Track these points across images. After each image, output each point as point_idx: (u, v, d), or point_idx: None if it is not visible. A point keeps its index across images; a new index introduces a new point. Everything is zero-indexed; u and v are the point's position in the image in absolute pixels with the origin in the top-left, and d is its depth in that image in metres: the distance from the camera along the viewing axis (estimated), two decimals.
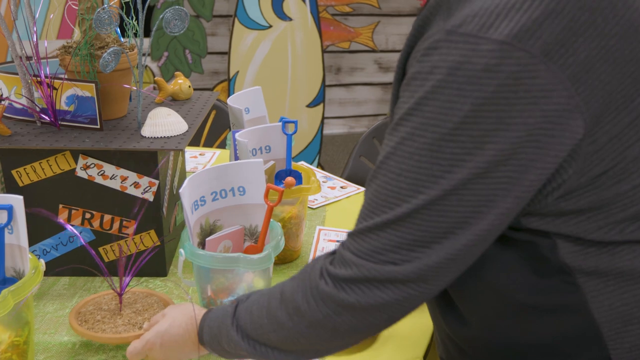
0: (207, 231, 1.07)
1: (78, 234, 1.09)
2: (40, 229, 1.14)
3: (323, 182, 1.72)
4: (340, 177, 1.86)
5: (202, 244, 1.06)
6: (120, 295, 0.98)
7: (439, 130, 0.57)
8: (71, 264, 1.15)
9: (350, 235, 0.65)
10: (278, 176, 1.35)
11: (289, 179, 1.24)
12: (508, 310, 0.63)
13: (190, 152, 1.89)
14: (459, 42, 0.56)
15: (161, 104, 1.36)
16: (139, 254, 1.14)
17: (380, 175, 0.62)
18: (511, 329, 0.64)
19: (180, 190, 0.97)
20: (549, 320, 0.62)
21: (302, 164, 1.70)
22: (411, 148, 0.59)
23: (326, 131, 4.00)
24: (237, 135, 1.29)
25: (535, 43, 0.55)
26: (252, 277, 1.02)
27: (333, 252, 0.67)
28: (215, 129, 2.23)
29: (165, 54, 3.35)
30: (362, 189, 1.64)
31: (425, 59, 0.59)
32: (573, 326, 0.61)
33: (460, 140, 0.57)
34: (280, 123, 1.36)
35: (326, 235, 1.34)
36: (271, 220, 1.06)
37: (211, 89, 3.50)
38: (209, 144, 2.23)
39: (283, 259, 1.27)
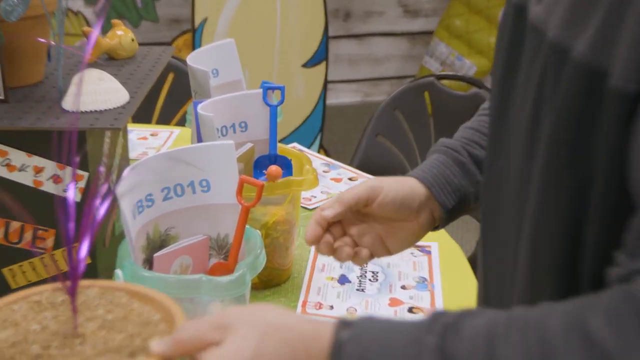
0: (157, 243, 1.06)
1: None
2: None
3: (324, 171, 1.72)
4: (350, 164, 1.85)
5: (148, 262, 1.05)
6: (72, 296, 0.69)
7: None
8: None
9: None
10: (258, 165, 1.34)
11: (273, 169, 1.22)
12: None
13: (136, 131, 1.88)
14: None
15: (93, 64, 1.35)
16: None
17: None
18: None
19: (117, 187, 0.95)
20: None
21: (294, 147, 1.69)
22: None
23: (330, 101, 4.00)
24: (199, 107, 1.28)
25: None
26: (221, 309, 1.01)
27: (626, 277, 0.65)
28: (172, 99, 2.22)
29: None
30: None
31: None
32: None
33: None
34: (261, 90, 1.35)
35: None
36: (247, 226, 1.06)
37: (168, 44, 3.49)
38: (163, 120, 2.22)
39: (267, 282, 1.27)
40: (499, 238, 0.86)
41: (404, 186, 1.01)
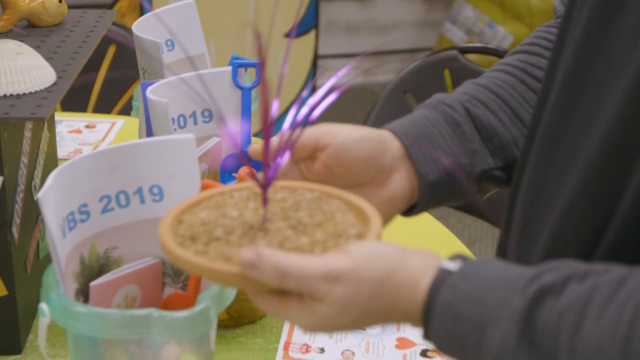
0: (94, 269, 1.07)
1: None
2: None
3: None
4: None
5: (83, 293, 1.05)
6: (264, 188, 0.88)
7: None
8: None
9: None
10: (226, 166, 1.34)
11: (246, 172, 1.23)
12: None
13: (66, 122, 1.88)
14: None
15: (7, 33, 1.35)
16: None
17: None
18: None
19: (40, 195, 0.96)
20: None
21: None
22: None
23: (322, 81, 4.00)
24: (149, 90, 1.28)
25: None
26: (178, 354, 1.02)
27: None
28: (113, 80, 2.22)
29: None
30: None
31: None
32: None
33: None
34: (230, 68, 1.36)
35: None
36: None
37: (109, 7, 3.49)
38: (102, 107, 2.23)
39: (238, 318, 1.28)
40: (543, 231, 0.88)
41: (372, 135, 1.00)
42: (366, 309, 0.81)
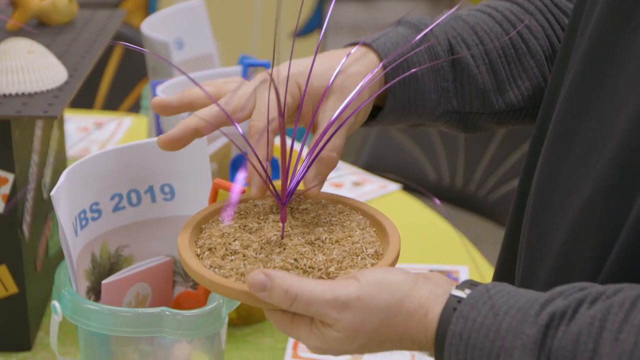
0: (105, 267, 1.07)
1: None
2: None
3: None
4: (354, 164, 1.86)
5: (94, 291, 1.06)
6: (282, 205, 0.88)
7: None
8: None
9: None
10: (236, 165, 1.34)
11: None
12: None
13: (74, 120, 1.89)
14: None
15: (18, 32, 1.36)
16: None
17: None
18: None
19: (53, 193, 0.96)
20: None
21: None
22: None
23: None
24: (159, 89, 1.28)
25: None
26: (189, 352, 1.02)
27: None
28: (121, 78, 2.22)
29: None
30: (392, 186, 1.64)
31: None
32: None
33: None
34: (240, 67, 1.36)
35: None
36: None
37: (114, 6, 3.49)
38: (110, 105, 2.23)
39: (247, 317, 1.28)
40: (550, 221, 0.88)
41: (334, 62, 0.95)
42: (374, 336, 0.80)
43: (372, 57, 0.99)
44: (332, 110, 0.92)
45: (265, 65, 1.37)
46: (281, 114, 0.85)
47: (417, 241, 1.47)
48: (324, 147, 0.88)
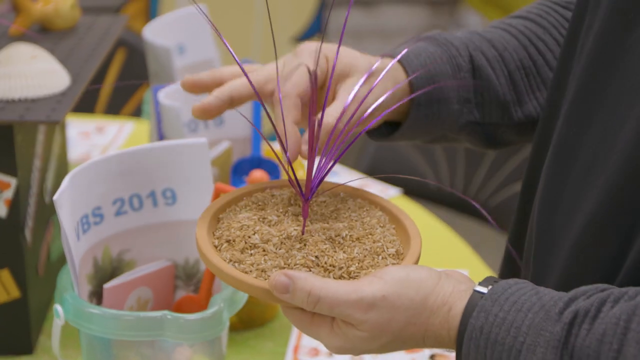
0: (107, 271, 1.07)
1: None
2: None
3: None
4: (355, 170, 1.86)
5: (97, 295, 1.06)
6: (306, 201, 0.86)
7: None
8: None
9: None
10: (238, 169, 1.35)
11: (257, 175, 1.23)
12: None
13: (75, 125, 1.89)
14: None
15: (21, 37, 1.36)
16: None
17: None
18: None
19: (56, 197, 0.96)
20: None
21: None
22: None
23: None
24: (161, 94, 1.29)
25: None
26: (190, 356, 1.03)
27: None
28: (122, 82, 2.22)
29: None
30: (393, 191, 1.65)
31: None
32: None
33: None
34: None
35: None
36: None
37: (116, 11, 3.49)
38: (111, 109, 2.23)
39: (248, 322, 1.28)
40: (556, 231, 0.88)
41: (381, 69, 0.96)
42: (399, 335, 0.80)
43: (396, 65, 0.99)
44: (352, 86, 0.92)
45: None
46: (314, 85, 0.85)
47: None
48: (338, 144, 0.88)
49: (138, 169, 1.06)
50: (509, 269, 1.03)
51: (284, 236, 0.85)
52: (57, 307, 1.00)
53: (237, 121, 1.37)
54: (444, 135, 1.05)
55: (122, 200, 1.06)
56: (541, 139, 0.97)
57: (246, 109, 1.37)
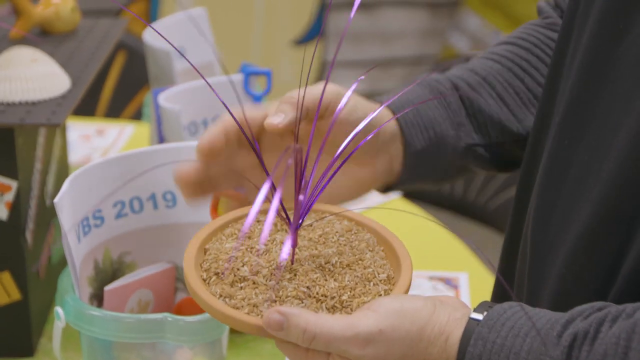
0: (108, 274, 1.08)
1: None
2: None
3: None
4: None
5: (97, 298, 1.06)
6: (293, 231, 0.83)
7: None
8: None
9: None
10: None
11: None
12: None
13: (78, 128, 1.89)
14: None
15: (21, 40, 1.36)
16: None
17: None
18: None
19: (57, 200, 0.97)
20: None
21: None
22: None
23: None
24: (161, 97, 1.29)
25: None
26: (191, 358, 1.03)
27: None
28: (124, 86, 2.23)
29: None
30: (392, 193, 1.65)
31: None
32: None
33: None
34: (242, 75, 1.37)
35: None
36: None
37: (117, 14, 3.50)
38: (112, 112, 2.23)
39: None
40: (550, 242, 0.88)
41: (374, 107, 0.95)
42: None
43: (385, 111, 0.98)
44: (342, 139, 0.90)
45: (266, 74, 1.37)
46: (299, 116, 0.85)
47: (417, 248, 1.47)
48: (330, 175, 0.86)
49: (138, 171, 1.06)
50: (506, 273, 1.02)
51: (273, 267, 0.82)
52: (58, 310, 1.01)
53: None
54: (452, 166, 1.03)
55: (122, 202, 1.06)
56: (533, 148, 0.96)
57: None
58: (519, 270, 0.95)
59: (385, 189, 1.03)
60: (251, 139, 0.85)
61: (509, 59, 1.07)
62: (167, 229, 1.09)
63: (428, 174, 1.02)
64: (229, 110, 0.87)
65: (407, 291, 0.82)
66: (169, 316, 0.98)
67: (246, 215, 0.89)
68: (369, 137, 0.89)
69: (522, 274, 0.94)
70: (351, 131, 0.88)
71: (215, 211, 1.04)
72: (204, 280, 0.82)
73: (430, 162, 1.00)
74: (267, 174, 0.84)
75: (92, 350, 1.03)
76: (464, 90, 1.02)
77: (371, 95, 1.02)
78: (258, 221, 0.89)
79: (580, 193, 0.85)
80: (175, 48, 0.87)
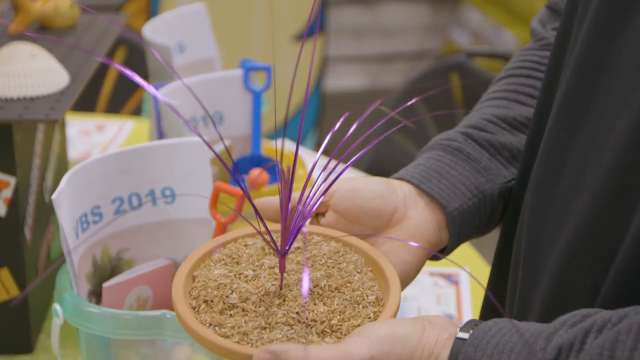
0: (106, 270, 1.07)
1: None
2: None
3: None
4: (355, 168, 1.86)
5: (96, 294, 1.06)
6: (281, 257, 0.83)
7: None
8: None
9: None
10: (238, 168, 1.34)
11: (257, 174, 1.23)
12: None
13: (76, 123, 1.89)
14: None
15: (19, 36, 1.36)
16: None
17: None
18: None
19: (55, 196, 0.96)
20: None
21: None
22: None
23: (329, 84, 4.01)
24: (161, 93, 1.28)
25: None
26: (189, 355, 1.03)
27: None
28: (124, 81, 2.22)
29: None
30: None
31: None
32: None
33: None
34: (241, 71, 1.36)
35: None
36: None
37: (116, 10, 3.50)
38: (112, 108, 2.23)
39: None
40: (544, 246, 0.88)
41: (378, 178, 0.97)
42: None
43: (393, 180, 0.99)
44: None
45: (266, 69, 1.37)
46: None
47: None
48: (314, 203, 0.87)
49: (137, 167, 1.06)
50: (499, 275, 1.02)
51: (262, 293, 0.82)
52: (56, 306, 1.01)
53: (237, 119, 1.37)
54: (494, 212, 1.02)
55: (121, 199, 1.06)
56: (530, 141, 0.96)
57: (246, 108, 1.37)
58: (514, 265, 0.95)
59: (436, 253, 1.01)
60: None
61: (511, 91, 1.06)
62: (166, 225, 1.09)
63: (474, 229, 1.01)
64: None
65: (396, 311, 0.82)
66: (167, 313, 0.99)
67: (235, 239, 0.90)
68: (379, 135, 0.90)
69: (517, 268, 0.94)
70: (363, 203, 0.93)
71: (214, 206, 1.04)
72: (193, 308, 0.82)
73: (473, 216, 0.99)
74: (244, 191, 0.84)
75: (91, 347, 1.04)
76: (479, 135, 1.01)
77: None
78: (246, 245, 0.89)
79: (577, 185, 0.84)
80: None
